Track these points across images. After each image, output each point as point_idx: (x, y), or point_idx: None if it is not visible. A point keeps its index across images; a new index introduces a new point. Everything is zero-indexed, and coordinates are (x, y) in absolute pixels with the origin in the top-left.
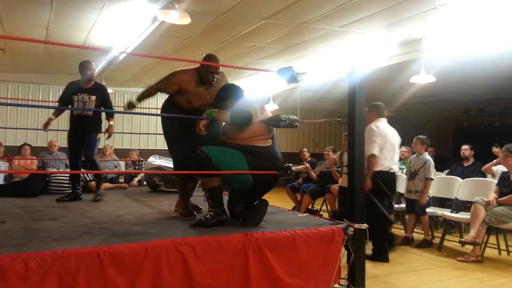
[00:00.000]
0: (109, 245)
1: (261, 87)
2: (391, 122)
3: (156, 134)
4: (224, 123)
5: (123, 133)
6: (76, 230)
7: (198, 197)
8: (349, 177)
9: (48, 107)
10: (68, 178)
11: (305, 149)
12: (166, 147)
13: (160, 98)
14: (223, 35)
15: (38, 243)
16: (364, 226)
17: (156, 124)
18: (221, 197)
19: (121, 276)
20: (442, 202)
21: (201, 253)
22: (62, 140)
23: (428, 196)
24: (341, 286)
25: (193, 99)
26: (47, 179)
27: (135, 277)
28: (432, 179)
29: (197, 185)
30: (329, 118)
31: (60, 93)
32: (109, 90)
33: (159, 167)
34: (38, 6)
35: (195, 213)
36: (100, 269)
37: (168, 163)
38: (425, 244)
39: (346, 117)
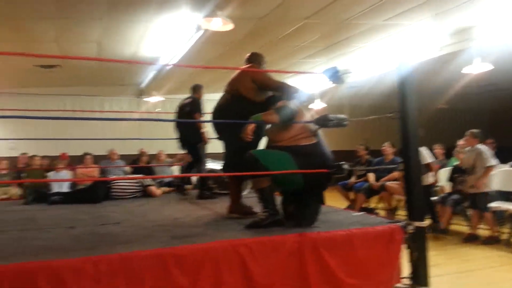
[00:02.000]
0: (171, 247)
1: (306, 86)
2: (444, 114)
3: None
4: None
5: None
6: (139, 233)
7: (251, 199)
8: (405, 174)
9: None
10: (129, 184)
11: (361, 147)
12: (217, 151)
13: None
14: (265, 38)
15: (106, 247)
16: (425, 223)
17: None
18: (273, 197)
19: (184, 276)
20: (507, 196)
21: (258, 254)
22: (120, 149)
23: (489, 192)
24: (403, 286)
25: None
26: (109, 185)
27: (196, 277)
28: (492, 166)
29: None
30: (377, 113)
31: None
32: (159, 98)
33: (211, 170)
34: (89, 22)
35: (253, 210)
36: (164, 270)
37: (218, 166)
38: (492, 241)
39: (398, 112)
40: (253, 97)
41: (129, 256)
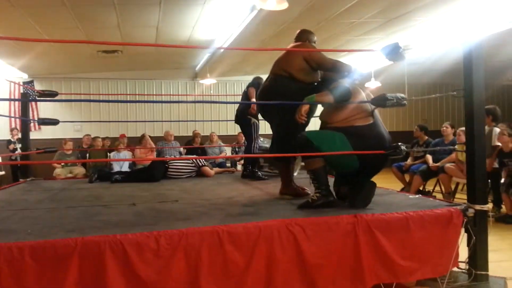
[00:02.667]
0: (226, 224)
1: (361, 64)
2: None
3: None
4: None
5: (227, 120)
6: (196, 211)
7: (303, 179)
8: (468, 155)
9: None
10: (184, 164)
11: (420, 127)
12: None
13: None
14: (320, 15)
15: (166, 223)
16: (486, 207)
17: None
18: (326, 178)
19: (238, 253)
20: None
21: (311, 234)
22: (175, 130)
23: None
24: (461, 270)
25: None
26: (166, 165)
27: (250, 254)
28: None
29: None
30: (436, 91)
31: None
32: (213, 81)
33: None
34: (149, 7)
35: (305, 191)
36: (220, 246)
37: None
38: None
39: (462, 90)
40: (303, 78)
41: (188, 232)
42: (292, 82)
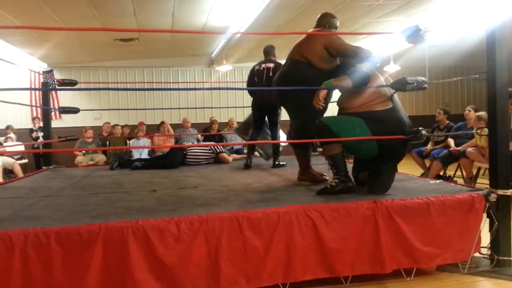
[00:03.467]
0: (245, 210)
1: (380, 48)
2: None
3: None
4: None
5: (244, 107)
6: (215, 197)
7: (321, 165)
8: (490, 139)
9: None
10: (202, 151)
11: (441, 111)
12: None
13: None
14: None
15: (186, 208)
16: (510, 192)
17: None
18: (345, 164)
19: (258, 238)
20: None
21: (330, 219)
22: (193, 117)
23: None
24: (482, 255)
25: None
26: (185, 152)
27: (270, 239)
28: None
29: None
30: (457, 74)
31: (183, 74)
32: (229, 67)
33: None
34: None
35: (323, 176)
36: (239, 232)
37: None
38: None
39: (484, 73)
40: (321, 66)
41: (208, 218)
42: (311, 69)
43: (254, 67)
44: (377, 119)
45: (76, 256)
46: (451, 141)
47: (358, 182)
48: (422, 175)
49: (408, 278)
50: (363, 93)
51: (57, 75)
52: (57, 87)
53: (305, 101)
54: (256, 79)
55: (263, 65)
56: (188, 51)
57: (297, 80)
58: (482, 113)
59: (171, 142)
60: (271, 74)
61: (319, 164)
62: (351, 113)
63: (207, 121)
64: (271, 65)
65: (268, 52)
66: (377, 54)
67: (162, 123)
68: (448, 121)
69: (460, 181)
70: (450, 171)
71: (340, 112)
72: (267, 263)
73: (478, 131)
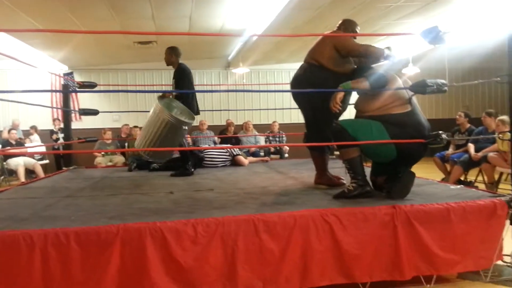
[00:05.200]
0: (261, 213)
1: (399, 49)
2: None
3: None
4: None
5: (260, 109)
6: (231, 200)
7: (339, 169)
8: None
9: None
10: (219, 154)
11: (461, 114)
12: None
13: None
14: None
15: (202, 211)
16: None
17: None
18: (362, 168)
19: (274, 241)
20: None
21: (347, 224)
22: (210, 119)
23: None
24: (505, 264)
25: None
26: (201, 154)
27: (286, 243)
28: None
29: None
30: (478, 77)
31: (200, 77)
32: (246, 70)
33: None
34: None
35: (340, 180)
36: (255, 235)
37: None
38: None
39: (506, 76)
40: (332, 67)
41: (224, 221)
42: (322, 71)
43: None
44: (396, 122)
45: (94, 256)
46: (471, 146)
47: (376, 186)
48: (443, 180)
49: (428, 286)
50: (381, 96)
51: (77, 78)
52: (77, 89)
53: (319, 104)
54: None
55: None
56: (205, 54)
57: (309, 83)
58: (505, 117)
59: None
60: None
61: (336, 168)
62: (369, 116)
63: (224, 123)
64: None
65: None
66: (390, 52)
67: None
68: (469, 125)
69: (482, 186)
70: (471, 176)
71: (357, 115)
72: (284, 267)
73: (500, 135)
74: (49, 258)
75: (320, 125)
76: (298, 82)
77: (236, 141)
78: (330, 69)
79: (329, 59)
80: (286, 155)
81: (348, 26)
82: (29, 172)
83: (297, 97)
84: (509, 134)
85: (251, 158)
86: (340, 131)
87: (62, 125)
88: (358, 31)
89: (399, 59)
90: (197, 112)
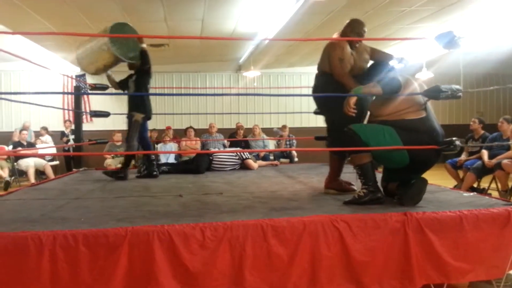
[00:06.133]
0: (270, 218)
1: (412, 54)
2: None
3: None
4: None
5: (271, 113)
6: (240, 204)
7: (349, 174)
8: None
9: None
10: (228, 157)
11: (476, 120)
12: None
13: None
14: (369, 4)
15: (211, 215)
16: None
17: (300, 103)
18: (374, 174)
19: (282, 247)
20: None
21: (357, 231)
22: (220, 122)
23: None
24: None
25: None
26: (211, 158)
27: (295, 249)
28: None
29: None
30: (493, 82)
31: (211, 80)
32: (257, 73)
33: None
34: (195, 1)
35: (351, 186)
36: (264, 240)
37: None
38: None
39: None
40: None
41: (232, 225)
42: (330, 78)
43: None
44: (409, 128)
45: (102, 259)
46: (484, 153)
47: (387, 192)
48: (455, 187)
49: None
50: (395, 101)
51: (89, 80)
52: (89, 91)
53: (336, 109)
54: None
55: None
56: (217, 57)
57: (323, 91)
58: None
59: (199, 147)
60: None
61: (347, 173)
62: (382, 121)
63: (234, 126)
64: None
65: None
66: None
67: (188, 127)
68: (483, 131)
69: (495, 194)
70: (484, 183)
71: (370, 119)
72: (292, 273)
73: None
74: (58, 260)
75: (338, 131)
76: (314, 92)
77: (245, 144)
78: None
79: (327, 64)
80: (296, 159)
81: (354, 27)
82: (39, 173)
83: (318, 105)
84: None
85: (261, 162)
86: (352, 136)
87: (73, 127)
88: (365, 31)
89: (412, 66)
90: (149, 115)
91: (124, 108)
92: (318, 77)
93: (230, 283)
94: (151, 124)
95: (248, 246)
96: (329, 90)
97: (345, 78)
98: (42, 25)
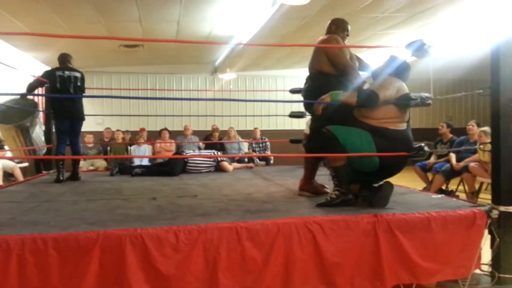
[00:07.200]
0: (245, 221)
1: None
2: None
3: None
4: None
5: (246, 115)
6: (215, 206)
7: (323, 176)
8: (493, 155)
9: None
10: (203, 160)
11: (444, 124)
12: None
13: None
14: (342, 10)
15: (185, 218)
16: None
17: (276, 105)
18: (346, 176)
19: (256, 249)
20: None
21: (329, 232)
22: (195, 124)
23: None
24: (483, 272)
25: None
26: (185, 160)
27: (269, 251)
28: None
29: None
30: (461, 88)
31: (187, 82)
32: (233, 75)
33: None
34: (170, 2)
35: (324, 189)
36: (238, 243)
37: None
38: None
39: (489, 88)
40: (331, 71)
41: (207, 228)
42: (325, 77)
43: (54, 72)
44: (388, 136)
45: (73, 263)
46: (452, 156)
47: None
48: (424, 189)
49: None
50: (387, 108)
51: None
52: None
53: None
54: (59, 86)
55: (66, 72)
56: (192, 59)
57: (316, 91)
58: (486, 128)
59: (173, 149)
60: (78, 84)
61: (321, 175)
62: (365, 124)
63: (209, 128)
64: (78, 74)
65: (67, 60)
66: (365, 83)
67: (163, 129)
68: (451, 135)
69: (463, 195)
70: (452, 185)
71: (355, 115)
72: (266, 275)
73: (482, 146)
74: (26, 265)
75: (317, 133)
76: (306, 93)
77: (220, 147)
78: (331, 73)
79: (326, 64)
80: (271, 161)
81: (339, 25)
82: (8, 175)
83: (308, 106)
84: (490, 145)
85: (236, 164)
86: (330, 138)
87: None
88: (349, 29)
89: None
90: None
91: (96, 109)
92: (313, 78)
93: (204, 286)
94: (125, 125)
95: (222, 249)
96: (328, 90)
97: (350, 67)
98: (11, 23)
